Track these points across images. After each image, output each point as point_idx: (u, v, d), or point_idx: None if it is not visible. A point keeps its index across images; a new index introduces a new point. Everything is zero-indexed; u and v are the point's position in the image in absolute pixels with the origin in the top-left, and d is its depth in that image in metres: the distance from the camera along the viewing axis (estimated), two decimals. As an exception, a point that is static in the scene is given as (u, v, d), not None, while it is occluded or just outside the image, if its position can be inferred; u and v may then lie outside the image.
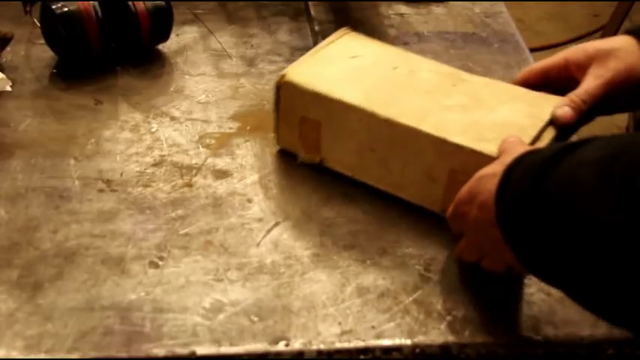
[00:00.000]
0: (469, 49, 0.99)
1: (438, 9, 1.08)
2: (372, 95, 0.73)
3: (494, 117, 0.71)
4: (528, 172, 0.52)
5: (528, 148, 0.61)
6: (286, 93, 0.76)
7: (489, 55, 0.99)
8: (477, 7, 1.09)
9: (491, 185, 0.56)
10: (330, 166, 0.77)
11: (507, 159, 0.57)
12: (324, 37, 0.85)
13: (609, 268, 0.46)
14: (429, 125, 0.69)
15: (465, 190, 0.62)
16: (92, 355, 0.60)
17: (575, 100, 0.70)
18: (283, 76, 0.75)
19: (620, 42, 0.71)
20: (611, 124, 2.17)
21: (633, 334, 0.54)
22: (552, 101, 0.72)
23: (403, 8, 1.07)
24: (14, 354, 0.59)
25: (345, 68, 0.77)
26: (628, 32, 0.71)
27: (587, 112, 0.70)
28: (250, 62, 0.99)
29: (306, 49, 0.87)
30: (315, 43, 0.91)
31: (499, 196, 0.55)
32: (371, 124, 0.72)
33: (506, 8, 1.09)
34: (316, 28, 0.99)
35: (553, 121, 0.70)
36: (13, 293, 0.64)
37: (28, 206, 0.74)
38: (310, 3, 1.04)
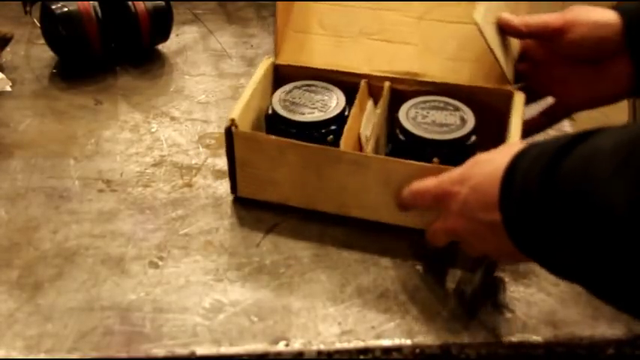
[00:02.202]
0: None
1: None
2: None
3: None
4: (539, 161, 0.51)
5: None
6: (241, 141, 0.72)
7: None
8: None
9: (490, 169, 0.56)
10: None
11: (511, 149, 0.56)
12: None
13: (625, 260, 0.45)
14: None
15: (456, 171, 0.61)
16: (92, 355, 0.60)
17: (524, 20, 0.71)
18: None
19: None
20: (611, 124, 2.17)
21: None
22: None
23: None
24: (14, 354, 0.59)
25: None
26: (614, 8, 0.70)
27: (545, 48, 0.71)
28: (250, 62, 0.99)
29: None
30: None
31: (505, 183, 0.53)
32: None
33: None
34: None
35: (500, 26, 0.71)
36: (13, 293, 0.64)
37: (28, 206, 0.74)
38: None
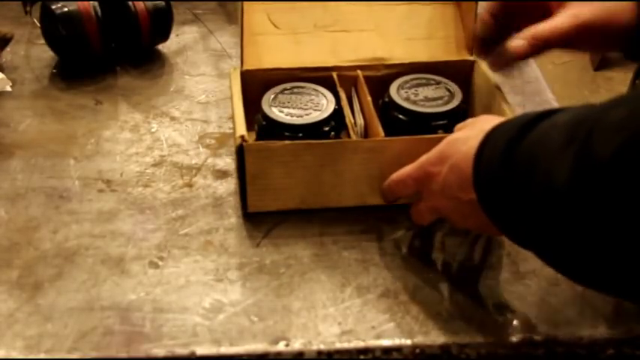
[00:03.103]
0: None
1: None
2: None
3: None
4: (506, 134, 0.52)
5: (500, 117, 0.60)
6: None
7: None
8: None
9: (465, 148, 0.57)
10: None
11: (484, 125, 0.57)
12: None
13: (569, 232, 0.45)
14: None
15: (434, 152, 0.63)
16: (92, 355, 0.60)
17: (536, 36, 0.68)
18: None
19: None
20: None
21: (599, 291, 0.53)
22: None
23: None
24: (14, 354, 0.59)
25: None
26: None
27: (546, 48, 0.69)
28: (250, 62, 0.99)
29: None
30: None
31: (476, 161, 0.55)
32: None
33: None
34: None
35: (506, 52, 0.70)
36: (13, 293, 0.64)
37: (28, 206, 0.74)
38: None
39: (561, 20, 0.68)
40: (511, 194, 0.50)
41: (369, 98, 0.76)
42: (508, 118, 0.57)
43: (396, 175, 0.68)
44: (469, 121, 0.66)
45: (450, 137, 0.62)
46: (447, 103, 0.76)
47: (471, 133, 0.59)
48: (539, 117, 0.51)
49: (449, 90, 0.78)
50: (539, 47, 0.69)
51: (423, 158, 0.65)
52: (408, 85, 0.79)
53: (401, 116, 0.76)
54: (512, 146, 0.51)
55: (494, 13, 0.74)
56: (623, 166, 0.41)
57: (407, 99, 0.77)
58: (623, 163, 0.40)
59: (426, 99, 0.76)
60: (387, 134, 0.71)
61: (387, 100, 0.78)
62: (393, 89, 0.78)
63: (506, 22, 0.73)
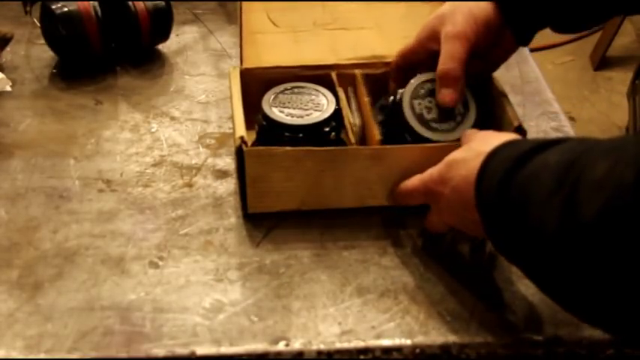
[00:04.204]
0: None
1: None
2: None
3: None
4: (502, 164, 0.55)
5: (503, 137, 0.61)
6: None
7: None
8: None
9: (465, 171, 0.60)
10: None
11: (481, 146, 0.60)
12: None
13: (557, 271, 0.49)
14: None
15: (435, 172, 0.65)
16: (92, 355, 0.60)
17: (445, 72, 0.71)
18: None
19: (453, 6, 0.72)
20: (611, 124, 2.17)
21: (586, 322, 0.57)
22: None
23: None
24: (14, 354, 0.59)
25: None
26: None
27: (469, 66, 0.72)
28: (250, 62, 0.99)
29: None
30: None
31: (477, 186, 0.57)
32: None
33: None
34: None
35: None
36: (13, 293, 0.64)
37: (28, 206, 0.74)
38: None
39: (452, 48, 0.71)
40: (508, 227, 0.54)
41: (367, 99, 0.75)
42: (503, 142, 0.59)
43: (404, 187, 0.70)
44: (467, 137, 0.68)
45: (450, 158, 0.64)
46: (463, 122, 0.73)
47: (469, 154, 0.61)
48: (534, 149, 0.54)
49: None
50: (455, 76, 0.71)
51: (426, 177, 0.66)
52: (421, 94, 0.74)
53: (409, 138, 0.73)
54: (508, 180, 0.54)
55: (399, 65, 0.78)
56: (605, 228, 0.44)
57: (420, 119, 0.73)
58: (606, 225, 0.44)
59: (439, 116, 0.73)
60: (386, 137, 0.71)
61: (403, 120, 0.73)
62: (406, 103, 0.73)
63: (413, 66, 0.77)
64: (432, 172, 0.66)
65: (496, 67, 0.78)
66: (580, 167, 0.47)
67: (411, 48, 0.76)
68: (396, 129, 0.74)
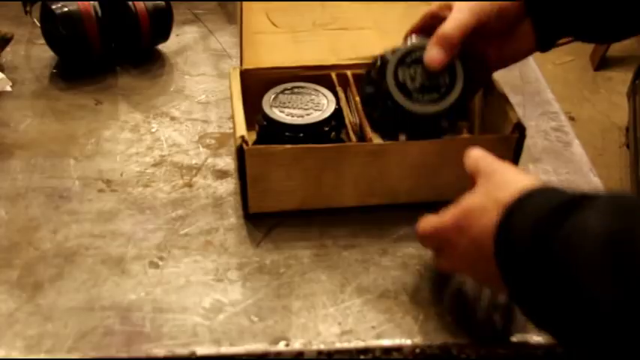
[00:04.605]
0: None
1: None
2: None
3: None
4: (532, 225, 0.51)
5: (520, 180, 0.57)
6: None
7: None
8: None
9: (486, 220, 0.55)
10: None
11: (499, 192, 0.55)
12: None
13: (602, 343, 0.47)
14: None
15: (450, 219, 0.59)
16: (92, 355, 0.60)
17: (442, 32, 0.68)
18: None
19: None
20: (611, 124, 2.17)
21: None
22: None
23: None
24: (14, 354, 0.59)
25: None
26: None
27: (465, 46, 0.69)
28: (250, 62, 0.99)
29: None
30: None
31: (498, 238, 0.53)
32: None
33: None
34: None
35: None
36: (13, 293, 0.64)
37: (28, 206, 0.74)
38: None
39: (460, 15, 0.68)
40: (545, 294, 0.50)
41: (358, 98, 0.76)
42: (527, 192, 0.54)
43: (420, 231, 0.62)
44: (482, 177, 0.59)
45: (466, 205, 0.58)
46: (447, 95, 0.71)
47: (487, 202, 0.56)
48: (567, 207, 0.50)
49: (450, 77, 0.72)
50: (453, 48, 0.69)
51: (441, 223, 0.60)
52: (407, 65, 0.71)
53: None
54: (542, 244, 0.50)
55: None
56: None
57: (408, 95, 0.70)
58: None
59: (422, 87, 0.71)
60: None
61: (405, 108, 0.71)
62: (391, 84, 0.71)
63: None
64: (447, 218, 0.59)
65: (506, 63, 0.74)
66: (629, 242, 0.45)
67: (424, 17, 0.73)
68: (377, 97, 0.72)
